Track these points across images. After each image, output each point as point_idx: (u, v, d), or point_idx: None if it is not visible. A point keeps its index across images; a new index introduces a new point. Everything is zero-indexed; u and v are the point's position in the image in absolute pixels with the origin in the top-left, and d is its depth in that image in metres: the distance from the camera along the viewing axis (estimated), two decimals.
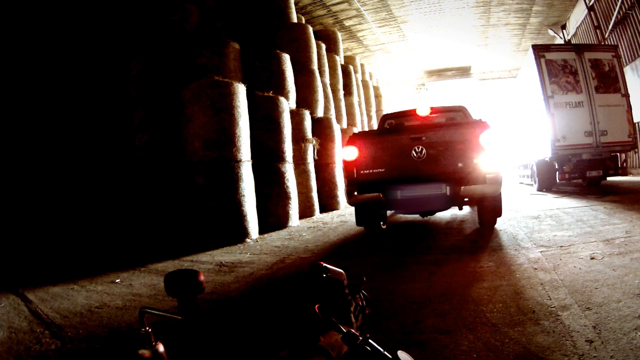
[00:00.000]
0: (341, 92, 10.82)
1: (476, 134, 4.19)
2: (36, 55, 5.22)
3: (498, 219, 4.82)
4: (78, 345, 2.06)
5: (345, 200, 4.72)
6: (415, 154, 4.25)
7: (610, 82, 8.25)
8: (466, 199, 4.43)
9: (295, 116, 6.92)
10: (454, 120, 5.56)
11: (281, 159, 6.04)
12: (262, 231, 5.36)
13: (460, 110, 5.66)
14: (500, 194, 4.41)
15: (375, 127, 13.85)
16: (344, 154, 4.52)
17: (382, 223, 5.20)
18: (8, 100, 4.89)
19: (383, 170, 4.36)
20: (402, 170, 4.30)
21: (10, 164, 4.84)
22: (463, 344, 1.78)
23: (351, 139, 4.58)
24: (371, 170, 4.38)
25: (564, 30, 15.04)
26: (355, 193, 4.41)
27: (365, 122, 13.42)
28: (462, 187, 4.10)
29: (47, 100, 5.25)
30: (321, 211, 7.52)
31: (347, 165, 4.50)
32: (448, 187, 4.15)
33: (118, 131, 5.50)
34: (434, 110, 5.59)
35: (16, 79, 4.97)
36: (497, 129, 5.20)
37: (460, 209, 5.08)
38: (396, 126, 5.52)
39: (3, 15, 4.77)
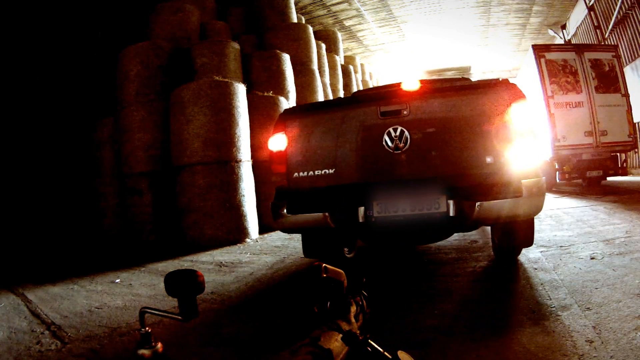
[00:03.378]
0: (341, 92, 10.82)
1: (504, 105, 2.41)
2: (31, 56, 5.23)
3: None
4: (78, 345, 2.06)
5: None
6: (389, 142, 2.49)
7: (610, 82, 8.25)
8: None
9: None
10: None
11: None
12: (262, 231, 5.36)
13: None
14: None
15: None
16: (269, 143, 2.85)
17: (346, 250, 3.51)
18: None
19: (332, 171, 2.61)
20: (368, 171, 2.59)
21: (12, 165, 4.84)
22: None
23: (281, 118, 2.82)
24: (312, 172, 2.66)
25: (564, 30, 15.04)
26: (285, 211, 2.68)
27: None
28: (478, 204, 2.32)
29: (51, 103, 5.26)
30: None
31: (274, 163, 2.84)
32: (451, 202, 2.37)
33: (118, 131, 5.51)
34: (425, 84, 3.49)
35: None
36: (534, 102, 2.87)
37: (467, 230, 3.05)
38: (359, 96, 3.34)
39: None
